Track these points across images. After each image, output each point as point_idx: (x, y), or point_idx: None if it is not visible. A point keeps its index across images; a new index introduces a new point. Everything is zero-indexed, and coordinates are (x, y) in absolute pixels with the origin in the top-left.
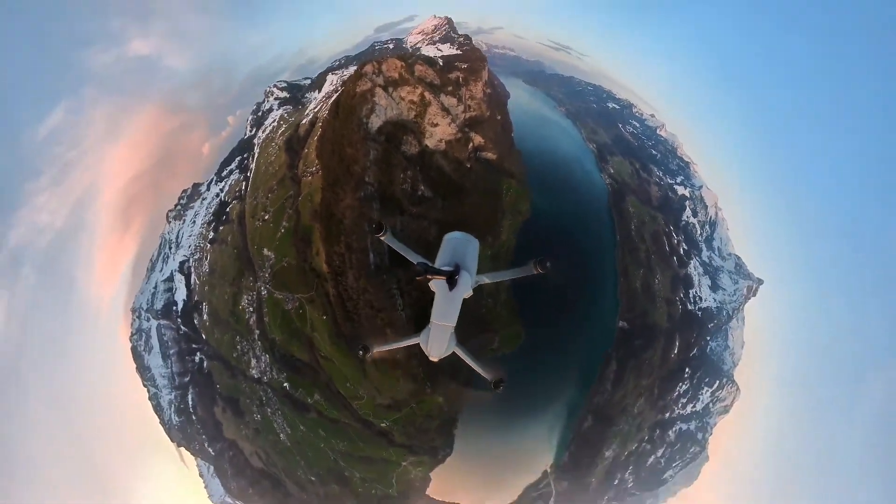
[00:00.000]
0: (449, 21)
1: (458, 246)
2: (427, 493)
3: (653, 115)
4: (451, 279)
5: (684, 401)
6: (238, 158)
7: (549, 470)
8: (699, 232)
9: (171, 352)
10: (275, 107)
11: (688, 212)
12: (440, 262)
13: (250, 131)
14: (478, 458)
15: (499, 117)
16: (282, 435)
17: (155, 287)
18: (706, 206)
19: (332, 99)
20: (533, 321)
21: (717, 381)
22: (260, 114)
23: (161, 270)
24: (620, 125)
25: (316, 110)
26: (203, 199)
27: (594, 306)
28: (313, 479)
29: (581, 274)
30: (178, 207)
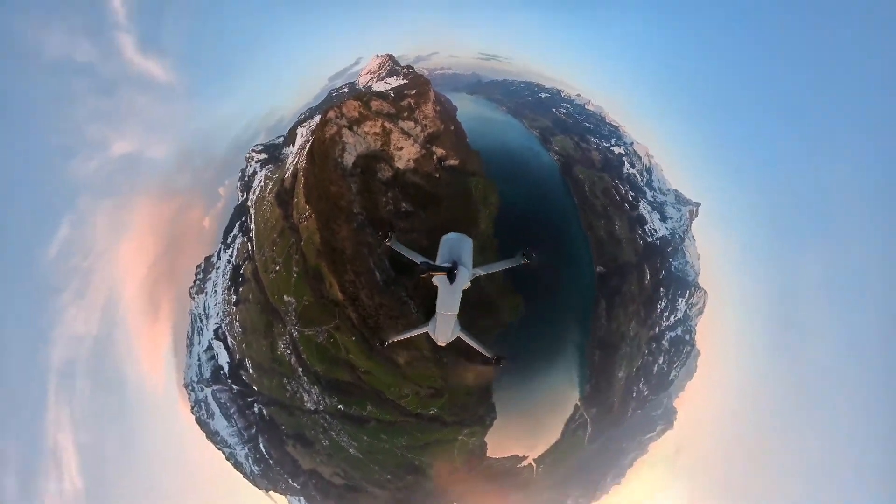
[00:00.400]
0: (391, 57)
1: (455, 245)
2: (488, 455)
3: (579, 95)
4: (451, 274)
5: (667, 314)
6: (238, 223)
7: (578, 403)
8: (640, 179)
9: (232, 411)
10: (258, 169)
11: (626, 165)
12: (440, 260)
13: (242, 196)
14: (518, 414)
15: (452, 128)
16: (351, 450)
17: (198, 359)
18: (640, 157)
19: (307, 148)
20: (528, 290)
21: (688, 291)
22: (246, 179)
23: (199, 343)
24: (554, 110)
25: (295, 162)
26: (217, 269)
27: (573, 263)
28: (389, 477)
29: (555, 239)
30: (198, 282)
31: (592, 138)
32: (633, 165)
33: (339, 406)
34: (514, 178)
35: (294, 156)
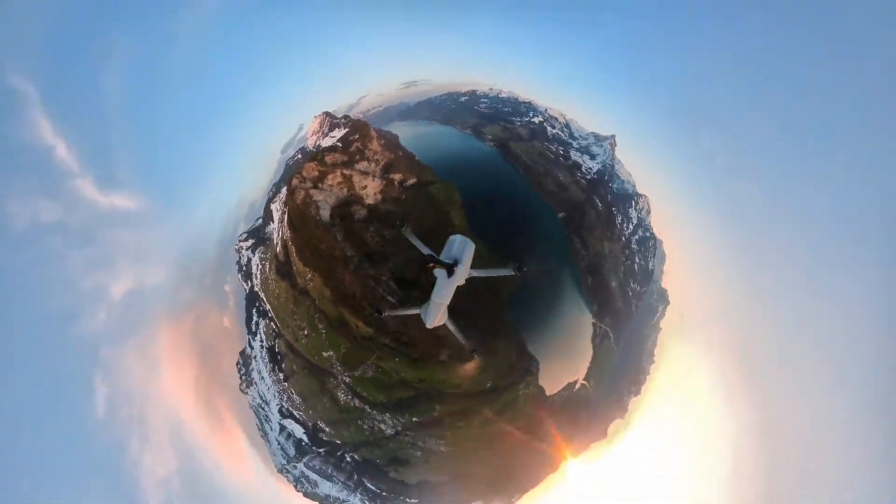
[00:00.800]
0: (327, 113)
1: (459, 246)
2: (548, 394)
3: (491, 89)
4: (450, 270)
5: (625, 225)
6: (254, 310)
7: (594, 321)
8: (563, 135)
9: (330, 472)
10: (250, 255)
11: (548, 129)
12: (444, 255)
13: (247, 286)
14: (553, 352)
15: (400, 153)
16: (442, 448)
17: (278, 443)
18: (557, 119)
19: (285, 219)
20: (511, 257)
21: (633, 201)
22: (244, 268)
23: (272, 429)
24: (476, 107)
25: (279, 236)
26: (255, 357)
27: (538, 221)
28: (484, 454)
29: (517, 206)
30: (243, 377)
31: (514, 118)
32: (553, 127)
33: (413, 419)
34: (466, 174)
35: (277, 230)
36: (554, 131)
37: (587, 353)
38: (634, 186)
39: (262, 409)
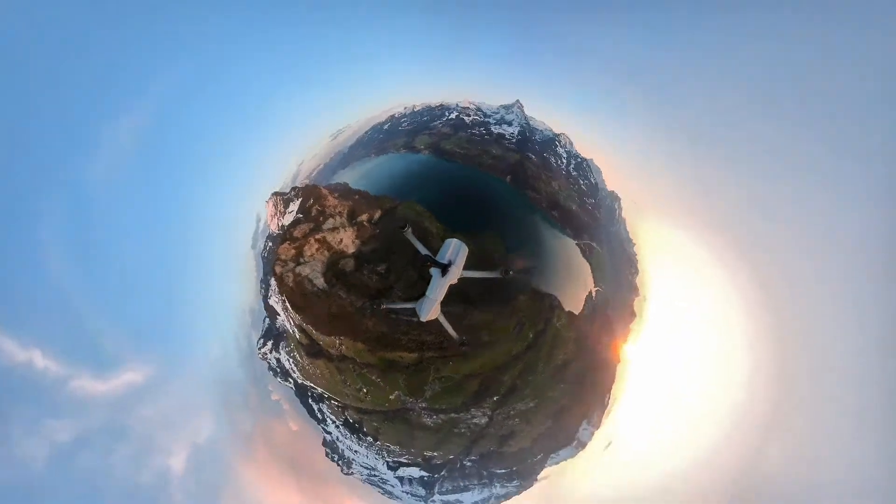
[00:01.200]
0: (276, 194)
1: (454, 248)
2: (575, 314)
3: (405, 108)
4: (444, 269)
5: (559, 161)
6: (310, 400)
7: (575, 242)
8: (479, 118)
9: (462, 484)
10: (277, 355)
11: (465, 118)
12: (440, 256)
13: (290, 383)
14: (559, 281)
15: (356, 196)
16: (531, 404)
17: (408, 493)
18: (467, 108)
19: (288, 307)
20: (496, 228)
21: (555, 142)
22: (278, 370)
23: (394, 486)
24: (399, 128)
25: (292, 323)
26: (338, 439)
27: (494, 192)
28: (562, 387)
29: (474, 191)
30: (340, 462)
31: (435, 122)
32: (468, 115)
33: (494, 398)
34: (418, 185)
35: (286, 319)
36: (470, 118)
37: (585, 268)
38: (552, 130)
39: (374, 475)
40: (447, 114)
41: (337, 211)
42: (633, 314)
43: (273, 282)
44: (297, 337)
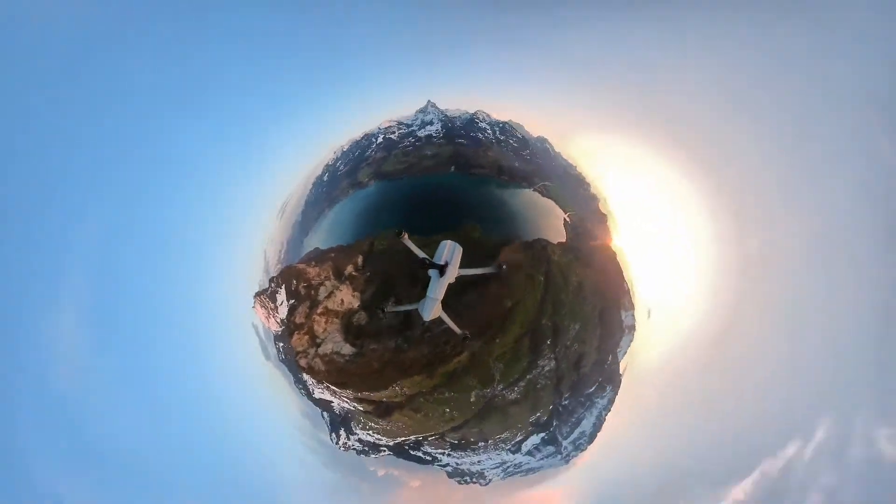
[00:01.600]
0: (258, 294)
1: (449, 250)
2: (565, 243)
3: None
4: (442, 270)
5: (489, 133)
6: (411, 453)
7: (532, 189)
8: (408, 128)
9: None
10: (345, 438)
11: (397, 133)
12: (436, 258)
13: (383, 452)
14: (541, 227)
15: (331, 255)
16: (572, 334)
17: (535, 458)
18: (397, 124)
19: (334, 390)
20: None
21: (475, 119)
22: (364, 447)
23: (523, 464)
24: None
25: (343, 403)
26: (449, 465)
27: (446, 188)
28: (585, 322)
29: (435, 194)
30: (469, 480)
31: (367, 153)
32: (394, 133)
33: (548, 342)
34: (383, 215)
35: (340, 401)
36: (396, 134)
37: (550, 203)
38: (467, 111)
39: (508, 467)
40: (374, 140)
41: (323, 277)
42: (603, 215)
43: (306, 376)
44: (361, 408)
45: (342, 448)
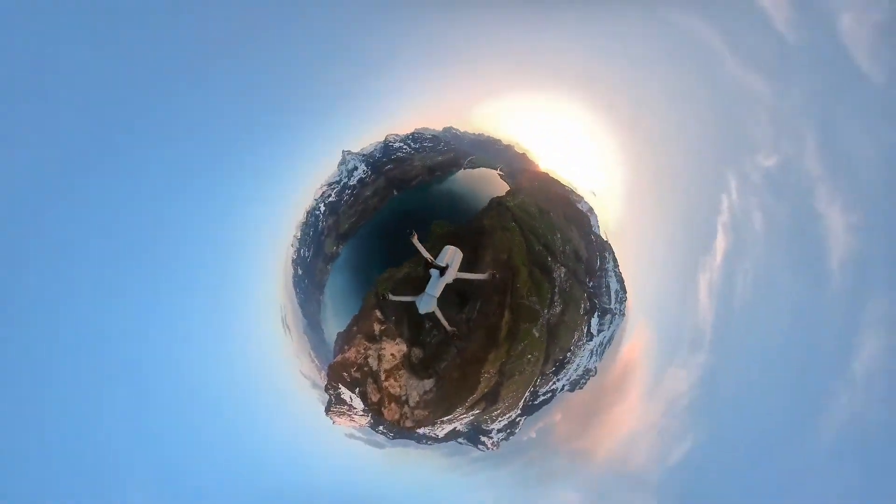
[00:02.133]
0: (328, 410)
1: (451, 254)
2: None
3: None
4: (443, 271)
5: (428, 144)
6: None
7: (464, 168)
8: (347, 177)
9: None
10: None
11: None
12: (439, 259)
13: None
14: (488, 188)
15: (354, 328)
16: (568, 273)
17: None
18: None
19: (452, 413)
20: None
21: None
22: (504, 435)
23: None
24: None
25: (447, 425)
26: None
27: (411, 203)
28: (573, 263)
29: (405, 217)
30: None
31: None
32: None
33: (556, 290)
34: (373, 263)
35: (456, 421)
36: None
37: (484, 171)
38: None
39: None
40: (318, 212)
41: (363, 351)
42: (521, 154)
43: (424, 430)
44: (477, 411)
45: (496, 448)
